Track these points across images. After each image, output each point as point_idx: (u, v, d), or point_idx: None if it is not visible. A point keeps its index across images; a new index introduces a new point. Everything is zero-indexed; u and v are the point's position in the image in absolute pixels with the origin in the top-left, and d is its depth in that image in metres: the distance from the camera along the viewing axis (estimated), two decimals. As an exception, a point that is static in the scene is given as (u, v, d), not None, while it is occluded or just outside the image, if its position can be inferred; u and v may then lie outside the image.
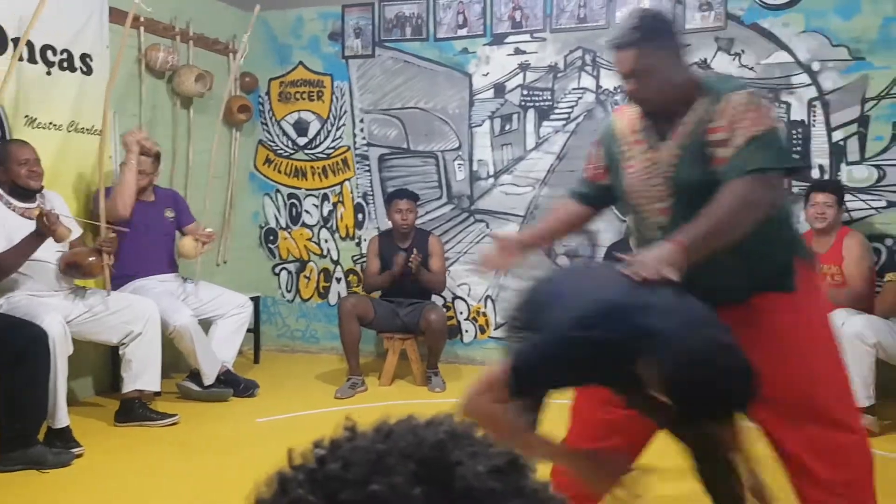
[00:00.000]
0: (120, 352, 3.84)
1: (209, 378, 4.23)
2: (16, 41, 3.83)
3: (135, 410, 3.81)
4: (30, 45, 3.90)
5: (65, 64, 4.11)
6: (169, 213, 4.42)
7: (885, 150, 4.44)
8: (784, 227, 2.08)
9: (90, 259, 3.63)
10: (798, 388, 1.99)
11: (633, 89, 2.01)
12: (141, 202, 4.25)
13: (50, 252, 3.60)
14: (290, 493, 0.53)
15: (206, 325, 4.39)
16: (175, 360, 4.41)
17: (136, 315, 3.80)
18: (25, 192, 3.60)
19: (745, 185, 1.83)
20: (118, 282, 4.06)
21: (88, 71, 4.24)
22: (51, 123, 4.03)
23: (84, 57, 4.21)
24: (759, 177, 1.84)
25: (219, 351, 4.31)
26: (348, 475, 0.52)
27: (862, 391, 3.62)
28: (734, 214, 1.82)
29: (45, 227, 3.36)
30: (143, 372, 3.79)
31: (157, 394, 4.05)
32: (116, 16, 4.39)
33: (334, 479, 0.52)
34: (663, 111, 2.01)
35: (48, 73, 4.02)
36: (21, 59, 3.83)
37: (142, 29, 4.60)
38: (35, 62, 3.95)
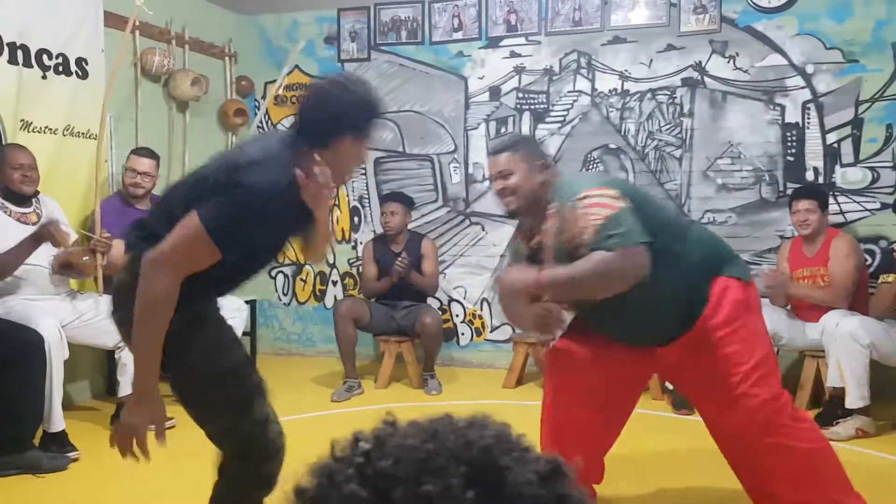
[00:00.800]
0: (115, 355, 3.83)
1: None
2: (11, 46, 3.83)
3: (131, 414, 3.80)
4: (25, 49, 3.90)
5: (60, 68, 4.11)
6: None
7: (878, 153, 4.46)
8: (677, 281, 2.33)
9: (84, 259, 3.63)
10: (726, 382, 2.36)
11: (500, 188, 2.42)
12: (136, 210, 4.25)
13: (44, 257, 3.59)
14: (342, 488, 0.52)
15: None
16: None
17: (132, 318, 3.79)
18: (21, 197, 3.60)
19: (603, 256, 2.14)
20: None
21: (84, 75, 4.24)
22: (46, 127, 4.03)
23: (79, 61, 4.22)
24: (616, 251, 2.13)
25: None
26: (399, 473, 0.52)
27: (856, 392, 3.64)
28: (589, 276, 2.15)
29: (49, 236, 3.38)
30: (138, 375, 3.78)
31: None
32: (111, 20, 4.40)
33: (386, 476, 0.52)
34: (526, 212, 2.41)
35: (43, 77, 4.02)
36: (15, 62, 3.84)
37: (137, 33, 4.60)
38: (30, 66, 3.95)
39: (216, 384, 2.01)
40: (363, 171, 5.49)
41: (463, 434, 0.55)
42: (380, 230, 5.16)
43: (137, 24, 4.37)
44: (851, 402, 3.65)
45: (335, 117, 1.95)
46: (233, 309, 4.51)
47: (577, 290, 2.24)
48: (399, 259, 4.64)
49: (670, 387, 4.24)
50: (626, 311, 2.31)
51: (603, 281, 2.15)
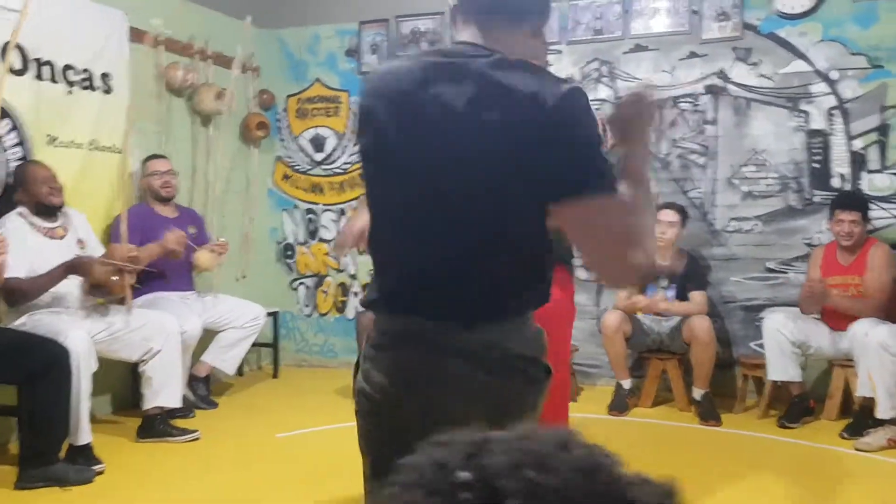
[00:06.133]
0: (140, 369, 3.85)
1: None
2: (37, 62, 3.88)
3: (156, 426, 3.82)
4: (51, 64, 3.95)
5: (85, 83, 4.16)
6: (192, 230, 4.45)
7: (906, 159, 4.40)
8: None
9: (113, 279, 3.66)
10: None
11: None
12: (162, 217, 4.29)
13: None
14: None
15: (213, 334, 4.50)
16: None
17: (156, 331, 3.81)
18: (48, 210, 3.65)
19: None
20: (137, 297, 4.08)
21: (108, 90, 4.29)
22: (72, 142, 4.07)
23: (104, 76, 4.26)
24: None
25: (216, 354, 4.44)
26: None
27: (886, 402, 3.57)
28: None
29: (83, 269, 3.54)
30: (163, 388, 3.80)
31: (177, 409, 4.05)
32: (136, 35, 4.45)
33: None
34: None
35: (69, 92, 4.06)
36: (41, 78, 3.89)
37: (161, 48, 4.65)
38: (56, 81, 4.00)
39: None
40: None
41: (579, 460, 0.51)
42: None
43: (160, 38, 4.41)
44: (882, 412, 3.58)
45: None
46: (251, 318, 4.52)
47: None
48: None
49: (698, 398, 4.19)
50: None
51: None
